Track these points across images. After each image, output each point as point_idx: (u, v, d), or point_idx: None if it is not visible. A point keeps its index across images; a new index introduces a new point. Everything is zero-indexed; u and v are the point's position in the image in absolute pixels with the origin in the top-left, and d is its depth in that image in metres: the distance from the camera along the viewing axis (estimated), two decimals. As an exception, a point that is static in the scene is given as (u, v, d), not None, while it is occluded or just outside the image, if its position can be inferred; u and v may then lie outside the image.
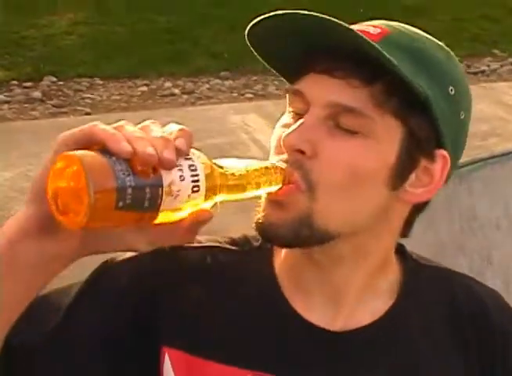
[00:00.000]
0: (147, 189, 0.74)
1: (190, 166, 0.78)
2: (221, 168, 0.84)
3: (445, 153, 0.96)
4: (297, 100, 0.96)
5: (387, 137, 0.93)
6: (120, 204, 0.72)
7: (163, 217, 0.78)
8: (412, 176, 0.96)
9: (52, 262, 0.83)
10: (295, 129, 0.92)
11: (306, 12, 0.89)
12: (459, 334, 1.05)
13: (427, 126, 0.94)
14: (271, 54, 1.00)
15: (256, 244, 1.06)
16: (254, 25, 0.94)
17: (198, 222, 0.83)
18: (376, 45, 0.88)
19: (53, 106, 8.05)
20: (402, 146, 0.94)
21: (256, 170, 0.88)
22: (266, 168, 0.89)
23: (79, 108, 7.87)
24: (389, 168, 0.94)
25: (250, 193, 0.88)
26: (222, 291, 1.02)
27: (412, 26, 1.00)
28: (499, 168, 2.05)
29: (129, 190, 0.72)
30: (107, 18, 10.39)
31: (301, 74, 0.97)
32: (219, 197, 0.83)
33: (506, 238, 2.14)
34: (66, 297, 1.00)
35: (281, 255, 1.04)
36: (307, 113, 0.94)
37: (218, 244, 1.06)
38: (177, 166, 0.77)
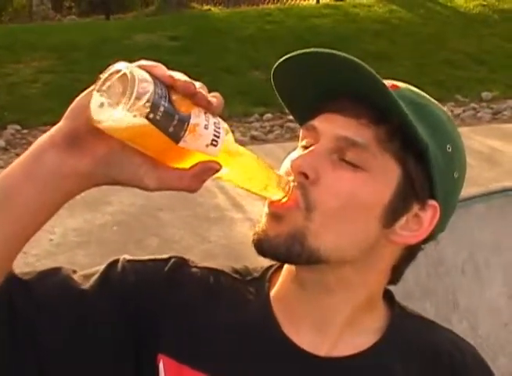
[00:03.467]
0: (176, 117, 0.81)
1: (215, 123, 0.85)
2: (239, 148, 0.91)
3: (436, 204, 1.03)
4: (309, 135, 1.04)
5: (385, 175, 1.00)
6: (151, 115, 0.79)
7: (178, 159, 0.85)
8: (403, 219, 1.03)
9: (68, 177, 0.88)
10: (303, 155, 1.01)
11: (345, 55, 0.96)
12: None
13: (423, 174, 1.00)
14: (291, 95, 1.07)
15: (256, 274, 1.13)
16: (284, 61, 1.01)
17: (206, 170, 0.87)
18: (393, 93, 0.96)
19: (17, 154, 7.97)
20: (397, 187, 1.00)
21: (269, 170, 0.95)
22: (278, 175, 0.97)
23: (44, 156, 7.82)
24: (384, 204, 1.00)
25: (254, 185, 0.95)
26: (218, 309, 1.08)
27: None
28: (463, 212, 2.06)
29: (161, 109, 0.79)
30: (72, 66, 10.43)
31: (315, 113, 1.04)
32: (227, 169, 0.89)
33: (471, 282, 2.15)
34: (80, 281, 1.04)
35: (276, 284, 1.10)
36: (316, 144, 1.01)
37: (222, 269, 1.13)
38: (205, 115, 0.84)
